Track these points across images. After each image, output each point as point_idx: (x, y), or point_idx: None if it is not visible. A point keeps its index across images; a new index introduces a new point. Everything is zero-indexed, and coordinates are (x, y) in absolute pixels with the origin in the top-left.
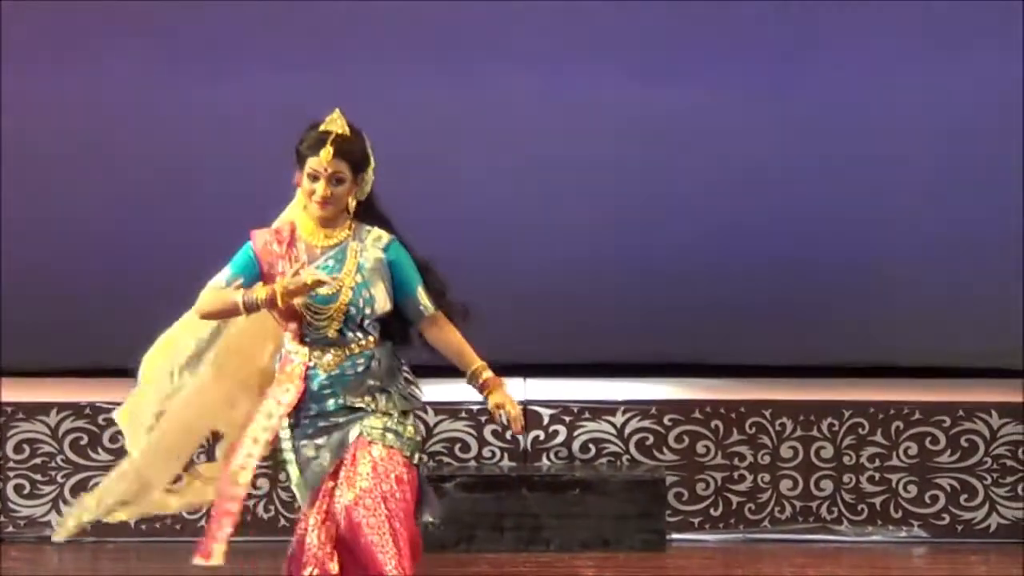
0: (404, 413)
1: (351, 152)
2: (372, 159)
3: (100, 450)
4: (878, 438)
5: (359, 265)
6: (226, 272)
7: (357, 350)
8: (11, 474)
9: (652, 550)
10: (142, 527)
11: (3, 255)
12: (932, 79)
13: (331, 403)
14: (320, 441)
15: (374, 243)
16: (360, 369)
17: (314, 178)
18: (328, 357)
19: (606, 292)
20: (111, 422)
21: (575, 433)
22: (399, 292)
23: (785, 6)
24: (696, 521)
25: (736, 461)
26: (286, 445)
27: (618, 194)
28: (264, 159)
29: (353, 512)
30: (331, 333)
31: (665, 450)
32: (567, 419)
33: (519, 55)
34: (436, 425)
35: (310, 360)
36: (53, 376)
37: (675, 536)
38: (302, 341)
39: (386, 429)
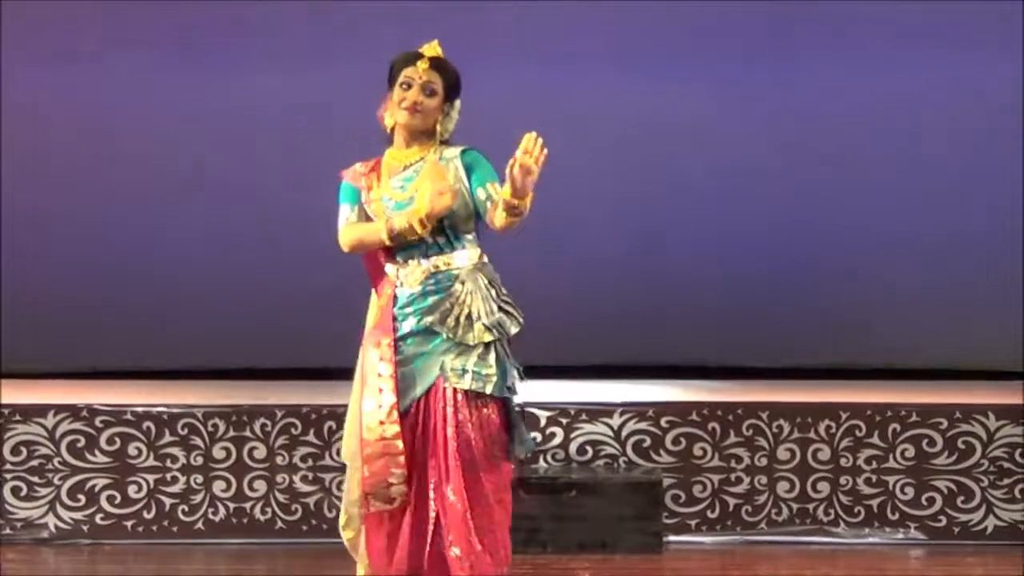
0: (487, 345)
1: (446, 70)
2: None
3: (97, 452)
4: (875, 440)
5: (438, 170)
6: (344, 208)
7: (443, 267)
8: (8, 476)
9: (649, 552)
10: (139, 529)
11: (1, 256)
12: (932, 79)
13: (412, 323)
14: (406, 368)
15: (454, 152)
16: (441, 289)
17: (407, 86)
18: (412, 273)
19: (603, 295)
20: (108, 424)
21: (572, 435)
22: (473, 191)
23: (779, 7)
24: (693, 523)
25: (733, 463)
26: (384, 369)
27: (616, 197)
28: (266, 160)
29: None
30: (413, 242)
31: (662, 452)
32: (564, 421)
33: (510, 54)
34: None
35: (397, 278)
36: (50, 378)
37: (672, 538)
38: (392, 257)
39: (464, 370)
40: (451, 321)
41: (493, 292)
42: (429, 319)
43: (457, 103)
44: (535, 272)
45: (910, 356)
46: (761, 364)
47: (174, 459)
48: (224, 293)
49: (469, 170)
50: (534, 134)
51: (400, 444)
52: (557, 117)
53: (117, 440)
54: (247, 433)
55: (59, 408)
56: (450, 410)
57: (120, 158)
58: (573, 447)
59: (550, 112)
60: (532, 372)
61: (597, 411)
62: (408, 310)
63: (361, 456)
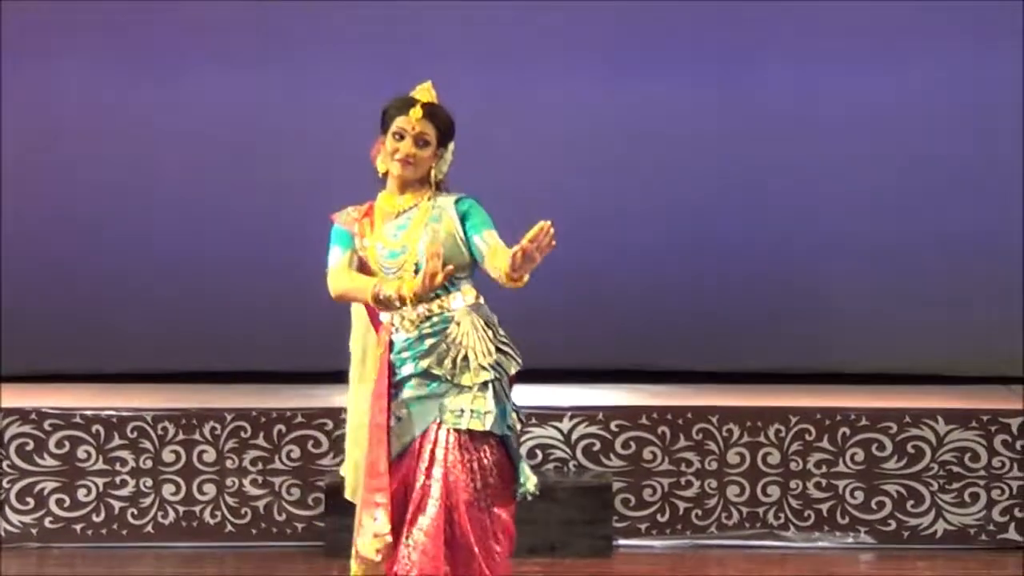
0: (484, 384)
1: (440, 117)
2: (454, 135)
3: (46, 455)
4: (825, 444)
5: (431, 217)
6: (335, 252)
7: (437, 311)
8: None
9: (599, 556)
10: (88, 532)
11: None
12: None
13: (410, 368)
14: (402, 413)
15: (449, 201)
16: (437, 332)
17: (400, 137)
18: (407, 318)
19: (552, 299)
20: (57, 427)
21: (522, 439)
22: (469, 239)
23: (751, 7)
24: (643, 527)
25: (683, 467)
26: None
27: (566, 201)
28: (218, 165)
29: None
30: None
31: (612, 456)
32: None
33: (490, 57)
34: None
35: (392, 323)
36: None
37: (622, 542)
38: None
39: (462, 410)
40: (448, 363)
41: (490, 333)
42: (425, 362)
43: (451, 147)
44: (482, 277)
45: (860, 360)
46: (711, 368)
47: (123, 462)
48: (174, 297)
49: (464, 218)
50: (547, 224)
51: (381, 497)
52: (516, 117)
53: (66, 443)
54: (196, 436)
55: (8, 411)
56: (440, 452)
57: (71, 158)
58: (523, 451)
59: (509, 112)
60: None
61: (547, 415)
62: (405, 355)
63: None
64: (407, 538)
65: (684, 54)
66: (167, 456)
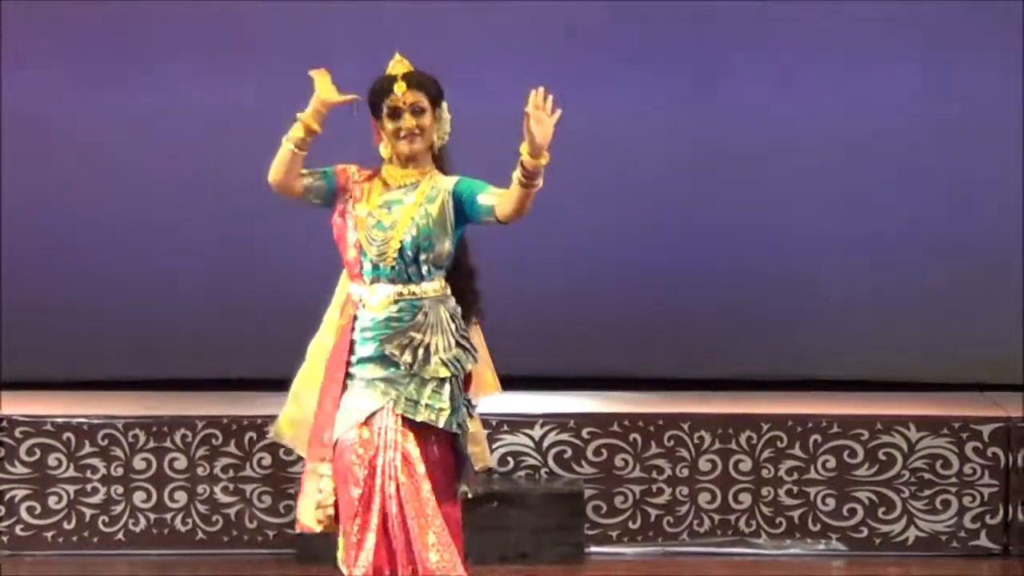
0: (443, 380)
1: (424, 82)
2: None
3: (17, 463)
4: (796, 451)
5: (427, 198)
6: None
7: (408, 295)
8: None
9: (570, 563)
10: (59, 540)
11: None
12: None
13: (372, 349)
14: (355, 391)
15: (448, 181)
16: (405, 318)
17: (396, 115)
18: (377, 297)
19: (523, 305)
20: (28, 434)
21: (493, 446)
22: (469, 207)
23: (720, 7)
24: (614, 534)
25: (654, 474)
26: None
27: (538, 205)
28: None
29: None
30: (384, 266)
31: (583, 463)
32: (485, 432)
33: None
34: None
35: (361, 299)
36: None
37: (593, 549)
38: (360, 276)
39: (418, 402)
40: (408, 354)
41: (453, 326)
42: (388, 347)
43: (444, 106)
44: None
45: (832, 367)
46: (682, 375)
47: (94, 470)
48: (145, 303)
49: (462, 196)
50: (541, 89)
51: (326, 468)
52: (483, 122)
53: (37, 451)
54: (168, 444)
55: None
56: (391, 437)
57: (44, 160)
58: (494, 458)
59: (477, 115)
60: None
61: (518, 422)
62: (368, 335)
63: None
64: (351, 534)
65: (669, 55)
66: (138, 463)
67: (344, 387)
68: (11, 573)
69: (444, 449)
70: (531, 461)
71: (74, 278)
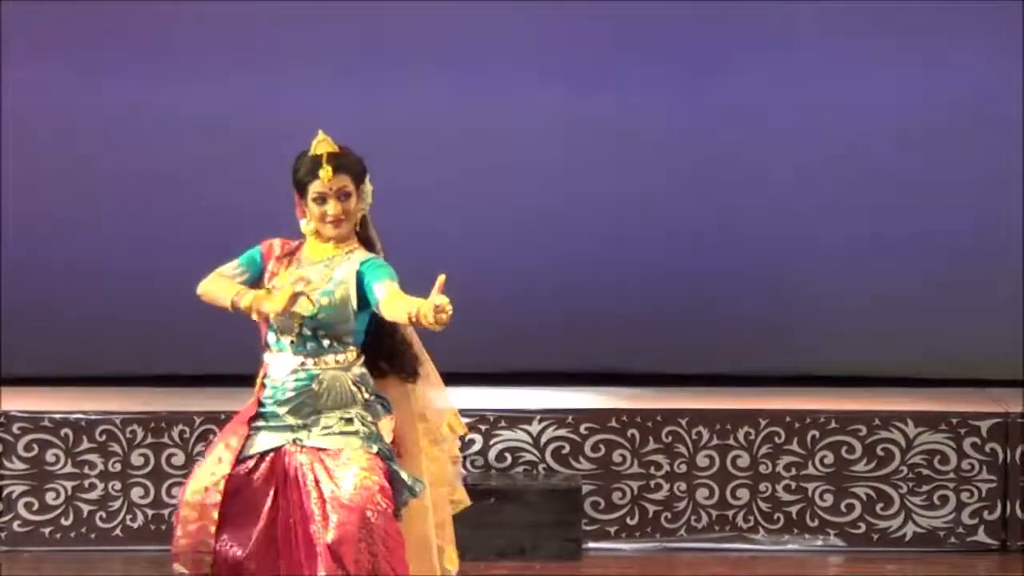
0: (347, 420)
1: (348, 165)
2: (367, 170)
3: (15, 459)
4: (794, 447)
5: (333, 279)
6: (233, 262)
7: (309, 366)
8: None
9: (568, 559)
10: (57, 536)
11: None
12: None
13: (270, 412)
14: (253, 434)
15: (357, 258)
16: (300, 387)
17: (322, 200)
18: (279, 369)
19: (523, 300)
20: (26, 430)
21: (491, 442)
22: (366, 290)
23: (722, 7)
24: (612, 530)
25: (652, 470)
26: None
27: (537, 201)
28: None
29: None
30: (285, 339)
31: (581, 459)
32: (483, 428)
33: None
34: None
35: (268, 369)
36: None
37: (591, 545)
38: (266, 346)
39: (328, 428)
40: (301, 417)
41: (355, 389)
42: (283, 410)
43: (367, 181)
44: (454, 278)
45: (830, 363)
46: (681, 371)
47: (92, 466)
48: (143, 299)
49: (363, 278)
50: (446, 302)
51: (215, 515)
52: (494, 119)
53: (35, 447)
54: (165, 440)
55: None
56: (306, 472)
57: (46, 158)
58: (492, 454)
59: (487, 114)
60: (451, 379)
61: (516, 418)
62: (270, 401)
63: (177, 516)
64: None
65: (672, 54)
66: (136, 459)
67: (246, 439)
68: (9, 569)
69: (366, 470)
70: (529, 457)
71: (73, 274)
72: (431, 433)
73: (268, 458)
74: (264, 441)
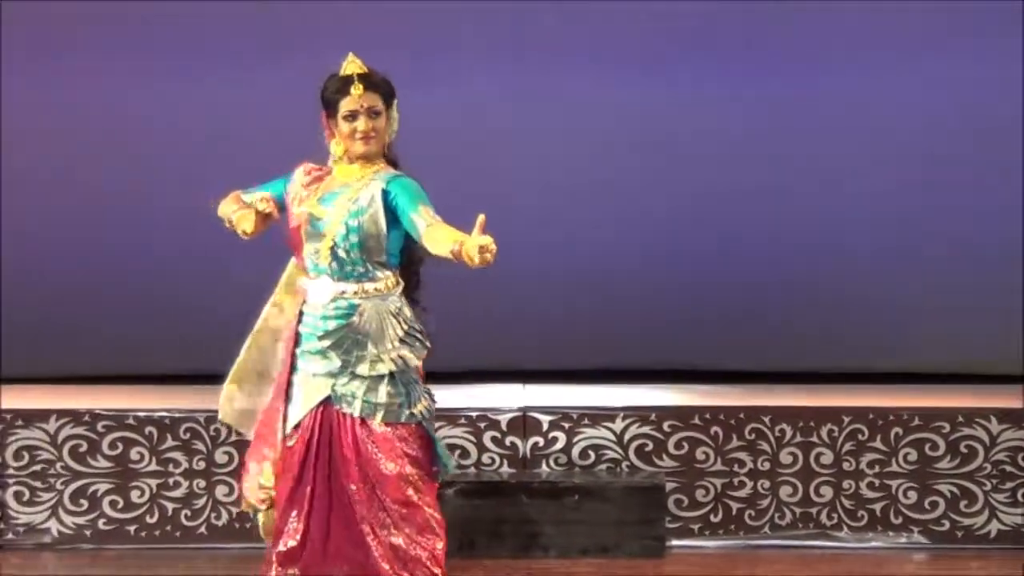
0: (380, 377)
1: (379, 84)
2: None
3: (100, 457)
4: (877, 444)
5: (361, 197)
6: (257, 186)
7: (349, 294)
8: (10, 481)
9: (651, 556)
10: (141, 534)
11: (1, 260)
12: (922, 84)
13: (312, 344)
14: (298, 384)
15: (382, 178)
16: (341, 316)
17: (352, 117)
18: (318, 294)
19: (605, 299)
20: (110, 428)
21: (574, 439)
22: (400, 214)
23: (774, 7)
24: (696, 527)
25: (736, 467)
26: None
27: (615, 204)
28: (262, 158)
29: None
30: (322, 263)
31: (664, 456)
32: (566, 425)
33: (495, 55)
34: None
35: (307, 295)
36: (52, 383)
37: (674, 542)
38: (304, 270)
39: (354, 397)
40: (342, 354)
41: (394, 323)
42: (325, 343)
43: (395, 105)
44: (535, 278)
45: (912, 360)
46: (763, 368)
47: (176, 463)
48: (225, 296)
49: (395, 200)
50: (489, 241)
51: (270, 452)
52: (557, 118)
53: (119, 445)
54: (249, 437)
55: (61, 413)
56: (346, 434)
57: (115, 159)
58: (575, 451)
59: (551, 114)
60: (535, 377)
61: (599, 415)
62: (308, 329)
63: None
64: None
65: (709, 56)
66: (220, 457)
67: (289, 381)
68: (93, 568)
69: (406, 439)
70: (612, 454)
71: (154, 272)
72: None
73: (314, 416)
74: (305, 402)
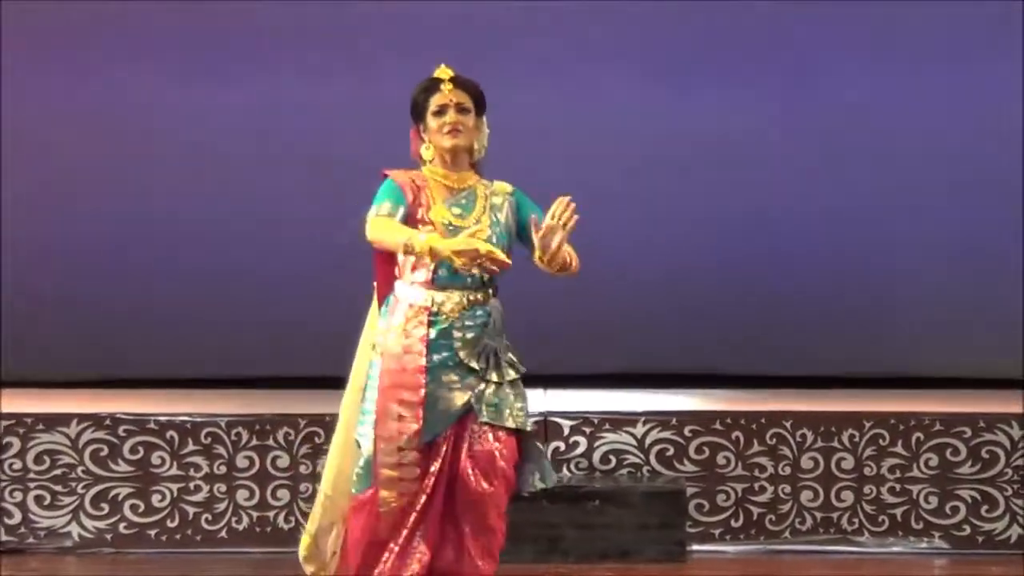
0: (512, 382)
1: (470, 85)
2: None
3: (120, 461)
4: (898, 449)
5: (492, 205)
6: (385, 203)
7: (481, 299)
8: (31, 485)
9: (672, 561)
10: (162, 538)
11: (19, 265)
12: (948, 83)
13: (446, 355)
14: (432, 401)
15: (500, 188)
16: (479, 323)
17: (441, 112)
18: (452, 303)
19: (627, 304)
20: (131, 433)
21: (595, 444)
22: (522, 223)
23: (800, 8)
24: (716, 532)
25: (756, 472)
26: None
27: (635, 209)
28: (285, 165)
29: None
30: (464, 272)
31: (685, 461)
32: (587, 430)
33: (521, 59)
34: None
35: (433, 305)
36: (73, 387)
37: (695, 547)
38: (432, 283)
39: (501, 407)
40: (482, 360)
41: (505, 331)
42: (464, 353)
43: (484, 118)
44: (557, 283)
45: (934, 365)
46: (784, 373)
47: (197, 468)
48: (247, 302)
49: (521, 206)
50: (565, 199)
51: (416, 471)
52: (582, 122)
53: (140, 449)
54: (270, 442)
55: (82, 417)
56: (475, 445)
57: (141, 160)
58: (596, 456)
59: (579, 119)
60: (555, 381)
61: (620, 420)
62: (443, 341)
63: (378, 480)
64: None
65: (746, 62)
66: (241, 462)
67: (424, 397)
68: (114, 572)
69: (514, 447)
70: (633, 459)
71: (175, 277)
72: None
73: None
74: (446, 416)
